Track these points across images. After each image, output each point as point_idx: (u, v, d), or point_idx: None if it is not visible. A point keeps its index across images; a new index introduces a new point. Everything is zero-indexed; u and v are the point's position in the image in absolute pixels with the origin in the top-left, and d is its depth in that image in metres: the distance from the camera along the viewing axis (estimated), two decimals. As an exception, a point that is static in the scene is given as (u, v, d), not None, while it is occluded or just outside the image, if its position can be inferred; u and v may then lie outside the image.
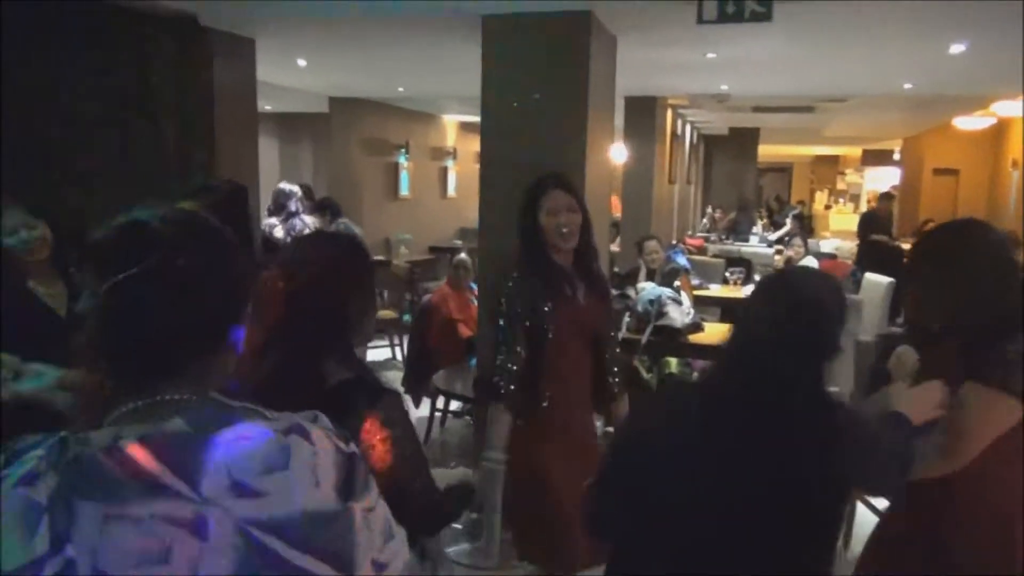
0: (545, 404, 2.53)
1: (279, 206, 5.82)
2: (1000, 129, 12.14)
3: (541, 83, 3.84)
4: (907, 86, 6.71)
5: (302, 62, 5.98)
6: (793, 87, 7.33)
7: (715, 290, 6.95)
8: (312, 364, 1.47)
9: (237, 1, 4.10)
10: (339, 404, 1.33)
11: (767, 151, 19.44)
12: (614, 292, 5.28)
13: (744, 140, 14.49)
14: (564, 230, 2.52)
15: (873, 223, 9.87)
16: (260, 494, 0.82)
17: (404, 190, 10.13)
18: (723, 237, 11.66)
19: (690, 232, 12.03)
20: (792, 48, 5.12)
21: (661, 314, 4.78)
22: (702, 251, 9.71)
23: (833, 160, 21.45)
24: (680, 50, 5.09)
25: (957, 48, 4.76)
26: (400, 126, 9.96)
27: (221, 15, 4.32)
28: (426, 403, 5.18)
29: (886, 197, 11.11)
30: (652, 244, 6.14)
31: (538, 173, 3.81)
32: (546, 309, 2.50)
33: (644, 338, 4.68)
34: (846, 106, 8.79)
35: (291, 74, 6.67)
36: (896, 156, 15.39)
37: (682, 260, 6.99)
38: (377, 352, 6.96)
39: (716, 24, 3.52)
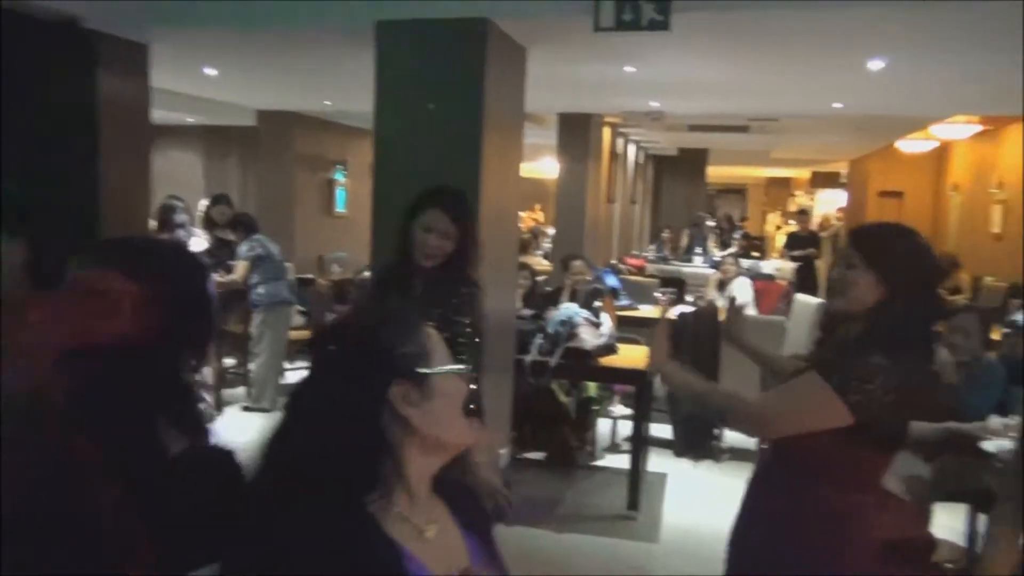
0: None
1: (163, 221, 5.55)
2: (941, 152, 12.32)
3: (435, 93, 3.67)
4: (836, 105, 6.69)
5: (211, 71, 5.75)
6: (723, 106, 7.29)
7: (645, 311, 6.82)
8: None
9: (125, 2, 3.89)
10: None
11: (722, 173, 19.59)
12: (527, 313, 5.12)
13: (693, 161, 14.53)
14: (428, 251, 2.46)
15: (795, 242, 10.03)
16: None
17: (340, 207, 9.91)
18: (669, 258, 11.59)
19: (636, 252, 11.95)
20: (710, 64, 5.04)
21: (572, 336, 4.60)
22: (642, 271, 9.61)
23: (785, 182, 21.69)
24: (595, 64, 4.98)
25: (875, 65, 4.71)
26: (338, 142, 9.75)
27: (109, 18, 4.09)
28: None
29: (802, 214, 11.48)
30: (578, 264, 5.99)
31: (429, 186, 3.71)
32: None
33: (553, 360, 4.51)
34: (783, 127, 8.81)
35: (208, 84, 6.44)
36: (843, 179, 15.54)
37: (611, 281, 6.87)
38: (298, 375, 6.69)
39: (615, 32, 3.39)
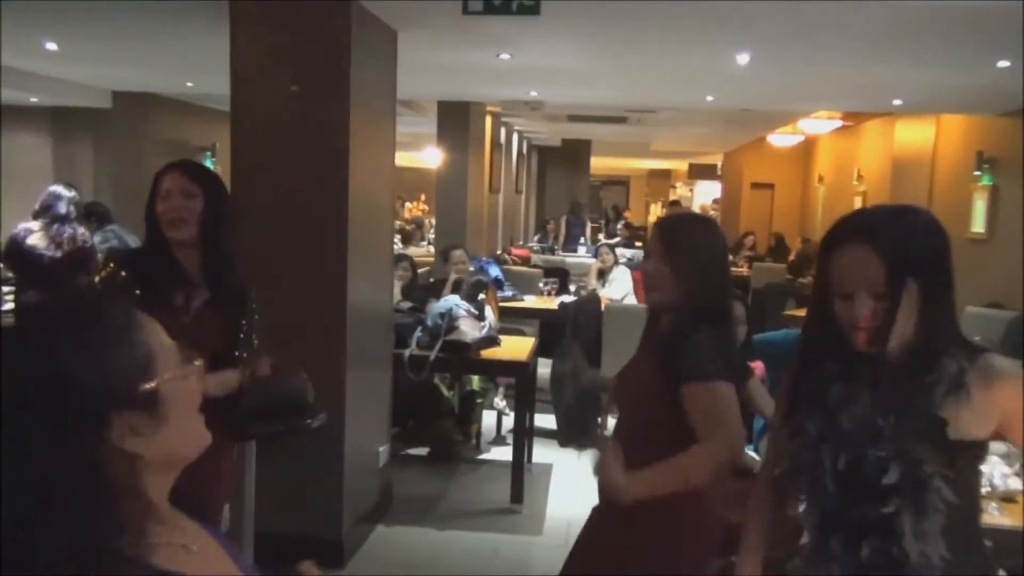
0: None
1: (43, 208, 5.03)
2: (808, 146, 12.97)
3: (298, 76, 3.45)
4: (709, 98, 6.86)
5: (51, 46, 5.25)
6: (600, 97, 7.35)
7: (530, 301, 6.80)
8: None
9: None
10: None
11: (606, 164, 19.96)
12: (406, 306, 4.97)
13: (577, 152, 14.68)
14: (172, 215, 2.18)
15: None
16: None
17: (210, 196, 9.36)
18: (553, 248, 11.67)
19: (521, 242, 11.97)
20: (584, 54, 5.03)
21: (452, 328, 4.49)
22: (527, 261, 9.60)
23: (666, 174, 22.36)
24: (470, 50, 4.87)
25: (743, 59, 4.81)
26: (205, 127, 9.20)
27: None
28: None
29: (673, 204, 11.90)
30: (458, 254, 5.89)
31: (294, 174, 3.50)
32: None
33: (432, 354, 4.38)
34: (660, 119, 8.99)
35: (51, 61, 5.90)
36: (719, 171, 16.12)
37: (494, 271, 6.79)
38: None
39: (484, 16, 3.29)
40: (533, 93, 6.91)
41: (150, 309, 2.18)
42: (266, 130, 3.48)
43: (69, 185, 5.23)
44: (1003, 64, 4.67)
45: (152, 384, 0.83)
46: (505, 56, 4.97)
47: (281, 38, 3.45)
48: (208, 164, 9.32)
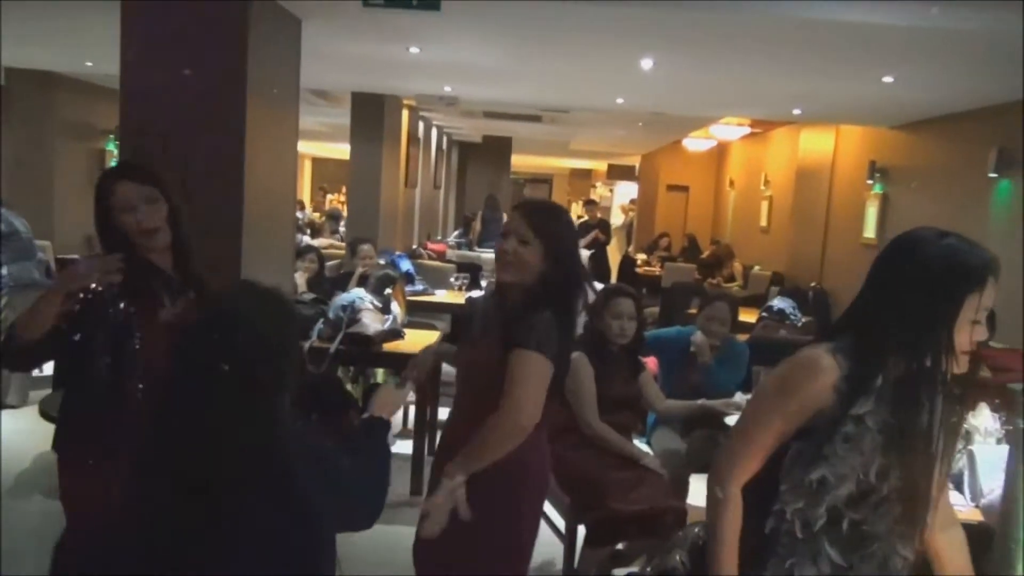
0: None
1: None
2: (721, 151, 13.38)
3: (192, 60, 3.37)
4: (619, 100, 7.00)
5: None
6: (513, 94, 7.41)
7: (440, 295, 6.81)
8: None
9: None
10: None
11: (529, 162, 20.09)
12: (308, 297, 4.91)
13: (497, 149, 14.74)
14: (147, 227, 2.11)
15: (583, 230, 10.66)
16: None
17: (116, 181, 9.01)
18: (471, 243, 11.68)
19: (439, 237, 11.95)
20: (491, 50, 5.07)
21: (354, 321, 4.46)
22: (443, 256, 9.60)
23: (587, 174, 22.66)
24: (378, 43, 4.85)
25: (646, 63, 4.94)
26: (110, 108, 8.84)
27: None
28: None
29: (589, 204, 12.26)
30: (365, 248, 5.85)
31: (188, 161, 3.42)
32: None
33: (333, 347, 4.34)
34: (575, 119, 9.12)
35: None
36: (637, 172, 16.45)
37: (405, 265, 6.78)
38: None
39: (385, 8, 3.28)
40: (447, 88, 6.92)
41: (148, 320, 2.11)
42: (157, 115, 3.39)
43: None
44: (887, 79, 4.93)
45: None
46: (415, 50, 4.97)
47: (175, 21, 3.37)
48: (113, 147, 8.97)
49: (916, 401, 1.47)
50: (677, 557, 1.70)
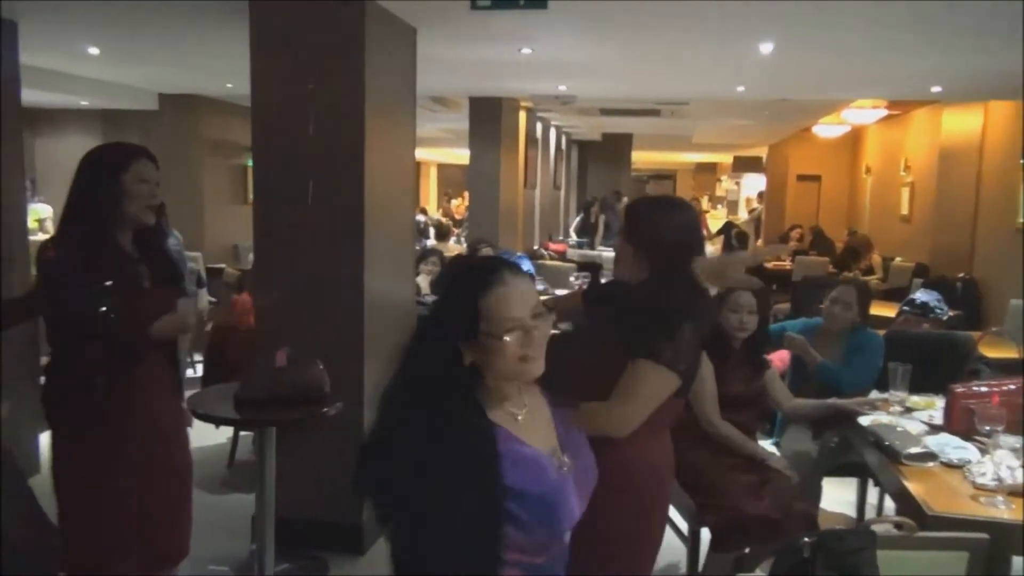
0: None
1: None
2: (855, 136, 12.66)
3: (315, 73, 3.54)
4: (739, 89, 6.76)
5: (93, 50, 5.47)
6: (629, 90, 7.30)
7: (561, 295, 6.82)
8: None
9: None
10: None
11: (651, 159, 19.78)
12: (431, 298, 5.05)
13: (617, 146, 14.60)
14: (155, 201, 2.39)
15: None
16: None
17: (256, 195, 9.60)
18: (593, 242, 11.64)
19: (560, 237, 11.97)
20: (602, 47, 5.02)
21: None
22: (563, 256, 9.62)
23: (711, 167, 22.05)
24: (490, 45, 4.91)
25: (766, 48, 4.75)
26: (249, 126, 9.43)
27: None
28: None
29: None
30: (485, 250, 5.96)
31: (313, 170, 3.59)
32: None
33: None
34: (694, 111, 8.88)
35: (94, 65, 6.12)
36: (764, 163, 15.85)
37: (526, 266, 6.84)
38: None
39: (493, 10, 3.33)
40: (562, 87, 6.92)
41: (126, 297, 2.33)
42: (285, 128, 3.58)
43: None
44: (1040, 47, 4.50)
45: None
46: (527, 51, 5.00)
47: (298, 37, 3.55)
48: (250, 164, 9.56)
49: None
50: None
